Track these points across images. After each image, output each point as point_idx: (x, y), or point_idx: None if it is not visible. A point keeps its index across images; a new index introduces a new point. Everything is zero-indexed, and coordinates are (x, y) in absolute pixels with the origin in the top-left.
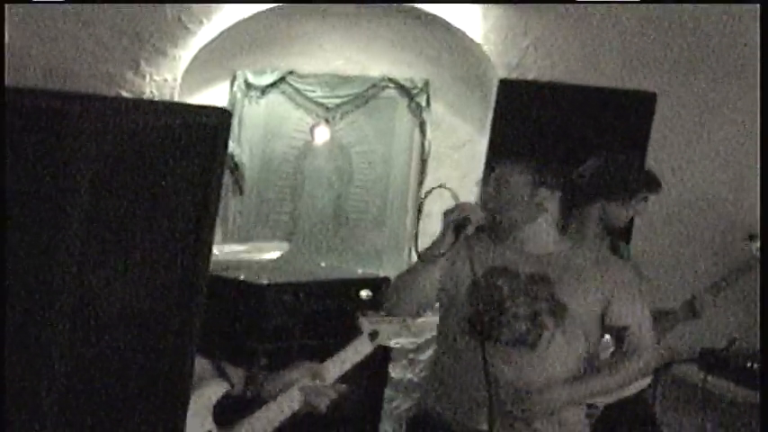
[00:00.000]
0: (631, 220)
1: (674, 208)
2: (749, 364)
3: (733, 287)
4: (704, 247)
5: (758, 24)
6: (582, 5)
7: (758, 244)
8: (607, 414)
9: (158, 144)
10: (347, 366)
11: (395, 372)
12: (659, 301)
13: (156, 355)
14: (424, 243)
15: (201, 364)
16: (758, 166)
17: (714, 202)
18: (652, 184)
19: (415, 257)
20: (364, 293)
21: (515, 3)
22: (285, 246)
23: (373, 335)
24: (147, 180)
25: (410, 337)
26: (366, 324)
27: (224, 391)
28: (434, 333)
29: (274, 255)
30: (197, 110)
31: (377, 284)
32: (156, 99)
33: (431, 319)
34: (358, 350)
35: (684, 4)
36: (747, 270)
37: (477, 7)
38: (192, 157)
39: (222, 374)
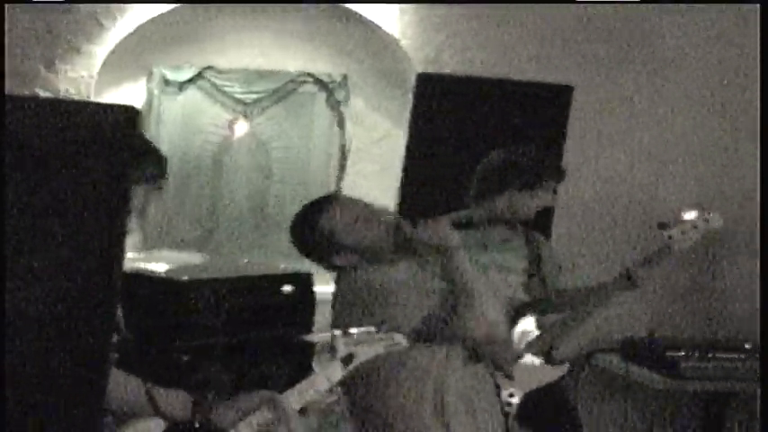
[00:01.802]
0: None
1: (592, 200)
2: (669, 353)
3: (658, 267)
4: (622, 238)
5: (758, 24)
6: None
7: (669, 232)
8: (525, 405)
9: (67, 143)
10: (313, 396)
11: (318, 367)
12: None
13: (71, 356)
14: None
15: (134, 392)
16: (758, 166)
17: (631, 194)
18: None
19: None
20: (286, 288)
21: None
22: (200, 257)
23: (348, 359)
24: (56, 179)
25: (381, 352)
26: (341, 345)
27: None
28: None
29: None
30: (105, 108)
31: (299, 280)
32: (72, 96)
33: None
34: (328, 377)
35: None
36: (661, 256)
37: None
38: (102, 154)
39: (153, 405)
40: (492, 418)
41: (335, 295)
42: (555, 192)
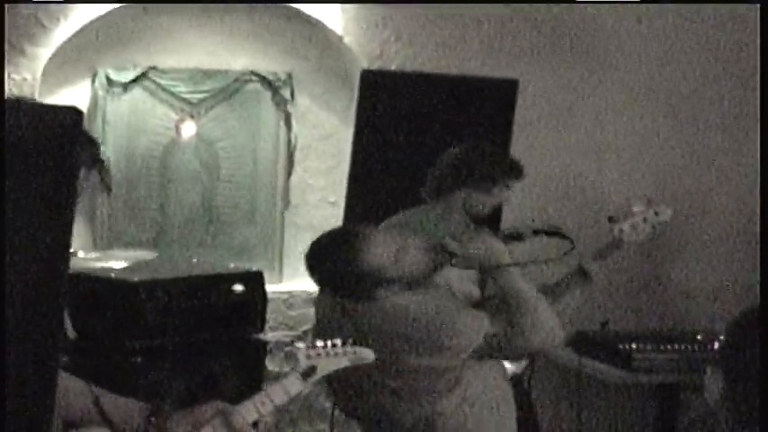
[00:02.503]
0: (499, 208)
1: (540, 194)
2: (621, 346)
3: (607, 259)
4: (571, 232)
5: (758, 24)
6: None
7: (619, 225)
8: None
9: (12, 145)
10: (268, 409)
11: (271, 365)
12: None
13: (19, 360)
14: (291, 235)
15: (81, 398)
16: (758, 165)
17: (579, 188)
18: (514, 171)
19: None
20: (237, 287)
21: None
22: (151, 255)
23: (309, 372)
24: (4, 179)
25: (346, 365)
26: (302, 357)
27: None
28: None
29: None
30: (48, 109)
31: (249, 278)
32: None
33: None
34: (286, 390)
35: None
36: (611, 249)
37: None
38: (45, 157)
39: (101, 413)
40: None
41: (359, 323)
42: (509, 188)
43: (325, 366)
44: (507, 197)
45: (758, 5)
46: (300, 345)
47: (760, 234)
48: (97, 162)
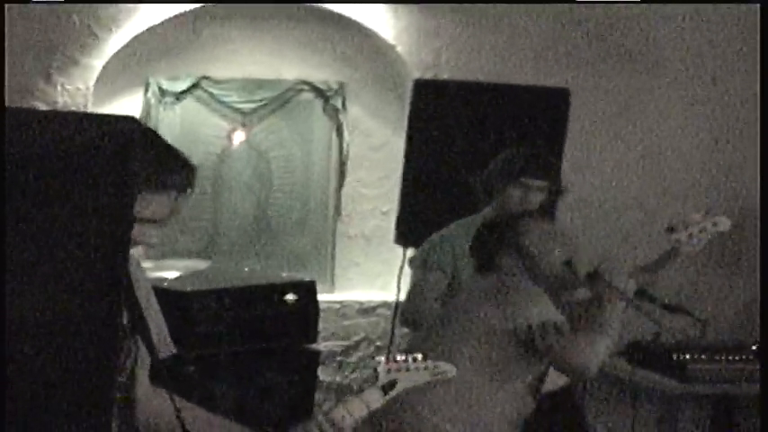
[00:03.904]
0: (553, 203)
1: (596, 203)
2: (676, 356)
3: (659, 273)
4: (627, 241)
5: (758, 24)
6: (494, 4)
7: (677, 235)
8: (535, 411)
9: (69, 155)
10: (348, 423)
11: (324, 375)
12: None
13: (77, 365)
14: (343, 245)
15: (162, 412)
16: (758, 167)
17: (635, 197)
18: (544, 165)
19: (336, 260)
20: (290, 297)
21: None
22: (204, 264)
23: (389, 386)
24: (60, 191)
25: (426, 380)
26: (383, 371)
27: None
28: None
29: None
30: (106, 119)
31: (302, 288)
32: (70, 108)
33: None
34: (367, 403)
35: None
36: (668, 260)
37: (387, 8)
38: (104, 167)
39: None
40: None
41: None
42: (551, 191)
43: (407, 380)
44: (541, 195)
45: (758, 5)
46: (381, 358)
47: (760, 234)
48: (189, 188)
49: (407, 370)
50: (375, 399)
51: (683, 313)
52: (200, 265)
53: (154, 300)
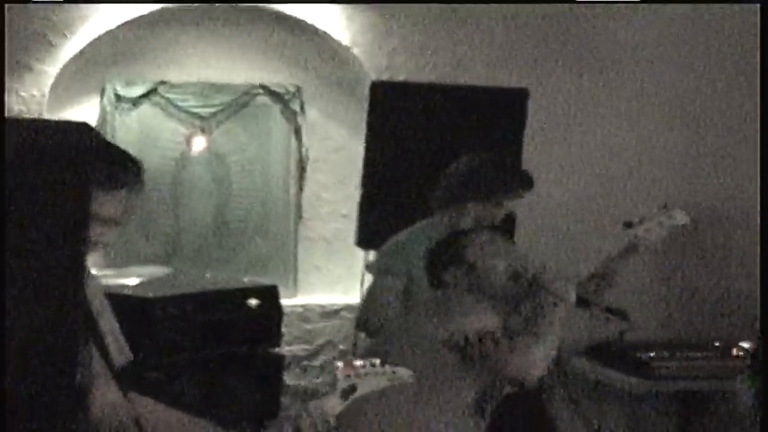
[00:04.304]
0: (512, 216)
1: (555, 201)
2: (640, 355)
3: (620, 269)
4: (586, 238)
5: (758, 24)
6: (450, 5)
7: (634, 230)
8: (499, 411)
9: (25, 162)
10: (306, 426)
11: (289, 379)
12: None
13: (39, 379)
14: (305, 248)
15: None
16: (758, 167)
17: (591, 195)
18: (524, 182)
19: (298, 264)
20: (252, 302)
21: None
22: (166, 270)
23: (349, 391)
24: (16, 197)
25: (384, 385)
26: (342, 377)
27: None
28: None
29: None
30: (60, 126)
31: (264, 292)
32: (24, 115)
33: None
34: (326, 409)
35: None
36: (626, 255)
37: (342, 10)
38: (59, 173)
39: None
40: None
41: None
42: (520, 197)
43: (365, 386)
44: (515, 206)
45: (758, 5)
46: (339, 363)
47: (760, 234)
48: (138, 185)
49: (366, 375)
50: (335, 404)
51: (621, 317)
52: (162, 271)
53: (108, 307)
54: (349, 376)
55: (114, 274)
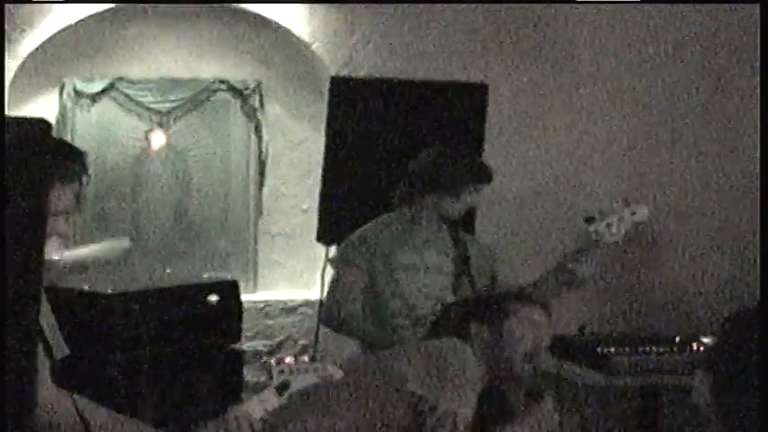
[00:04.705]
0: (472, 211)
1: (515, 198)
2: (600, 349)
3: (581, 264)
4: (546, 233)
5: (758, 24)
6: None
7: (595, 226)
8: None
9: None
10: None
11: (249, 375)
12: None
13: None
14: (265, 243)
15: (65, 414)
16: (758, 168)
17: (554, 191)
18: (482, 174)
19: (258, 259)
20: (212, 298)
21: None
22: (126, 242)
23: (283, 387)
24: None
25: (315, 381)
26: (276, 373)
27: None
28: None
29: (117, 253)
30: (17, 122)
31: (224, 288)
32: None
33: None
34: (263, 404)
35: None
36: (588, 250)
37: (303, 6)
38: (13, 171)
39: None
40: None
41: None
42: (478, 191)
43: (298, 381)
44: (477, 200)
45: (758, 5)
46: (272, 360)
47: (760, 235)
48: (86, 175)
49: (297, 371)
50: (271, 399)
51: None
52: (121, 243)
53: (44, 299)
54: (282, 372)
55: (74, 254)
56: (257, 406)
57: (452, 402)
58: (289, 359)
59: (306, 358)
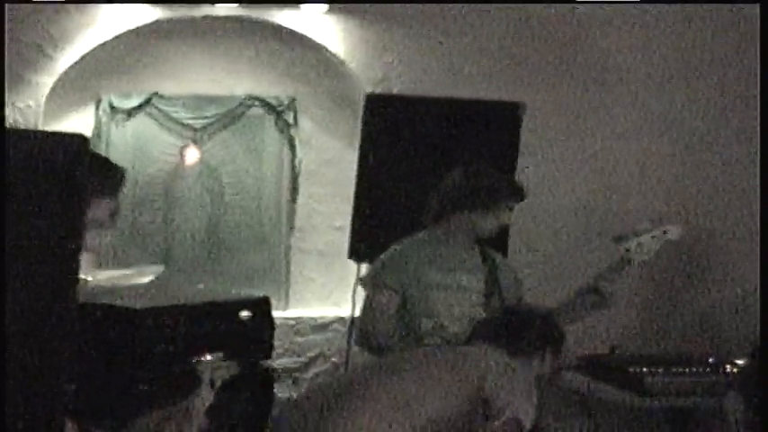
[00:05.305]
0: (506, 230)
1: (548, 216)
2: (632, 369)
3: (619, 280)
4: (581, 252)
5: (758, 24)
6: (441, 18)
7: (627, 244)
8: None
9: (20, 172)
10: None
11: (280, 391)
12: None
13: (27, 389)
14: (297, 260)
15: None
16: (758, 167)
17: (587, 209)
18: (515, 192)
19: (290, 276)
20: (244, 314)
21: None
22: (160, 269)
23: (212, 383)
24: (12, 207)
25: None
26: (206, 370)
27: None
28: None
29: (149, 278)
30: (55, 137)
31: (256, 304)
32: (20, 126)
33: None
34: (203, 401)
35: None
36: (619, 269)
37: (339, 22)
38: (51, 185)
39: None
40: None
41: None
42: (511, 209)
43: (219, 376)
44: (508, 219)
45: (758, 5)
46: (203, 358)
47: (760, 235)
48: (118, 190)
49: (218, 367)
50: (209, 395)
51: None
52: (155, 270)
53: None
54: (207, 370)
55: (105, 277)
56: (200, 403)
57: (519, 411)
58: (209, 356)
59: (221, 354)
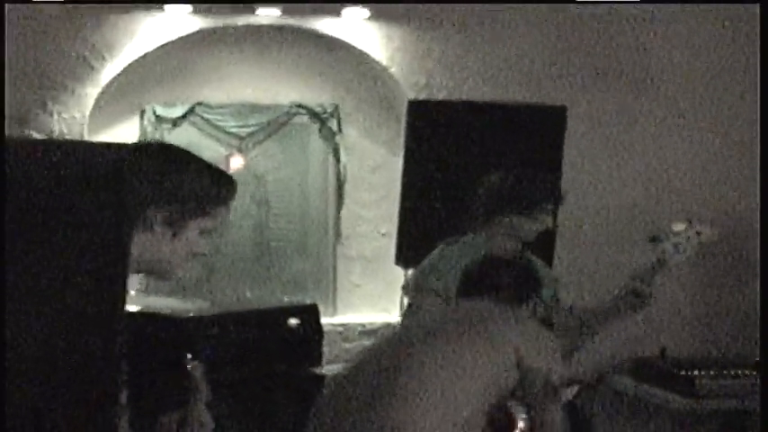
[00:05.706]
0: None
1: (591, 219)
2: (683, 372)
3: (644, 289)
4: (625, 255)
5: (758, 24)
6: (482, 23)
7: (663, 245)
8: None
9: (65, 183)
10: None
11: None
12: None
13: (77, 399)
14: (344, 267)
15: None
16: (758, 167)
17: (631, 212)
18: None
19: (338, 283)
20: (292, 321)
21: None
22: (206, 304)
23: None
24: (56, 219)
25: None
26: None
27: None
28: None
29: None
30: (100, 147)
31: (304, 311)
32: (66, 137)
33: None
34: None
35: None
36: (655, 270)
37: (381, 28)
38: (98, 195)
39: None
40: None
41: None
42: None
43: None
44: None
45: (758, 5)
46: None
47: (760, 238)
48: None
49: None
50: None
51: None
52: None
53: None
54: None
55: (149, 300)
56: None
57: (552, 374)
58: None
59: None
